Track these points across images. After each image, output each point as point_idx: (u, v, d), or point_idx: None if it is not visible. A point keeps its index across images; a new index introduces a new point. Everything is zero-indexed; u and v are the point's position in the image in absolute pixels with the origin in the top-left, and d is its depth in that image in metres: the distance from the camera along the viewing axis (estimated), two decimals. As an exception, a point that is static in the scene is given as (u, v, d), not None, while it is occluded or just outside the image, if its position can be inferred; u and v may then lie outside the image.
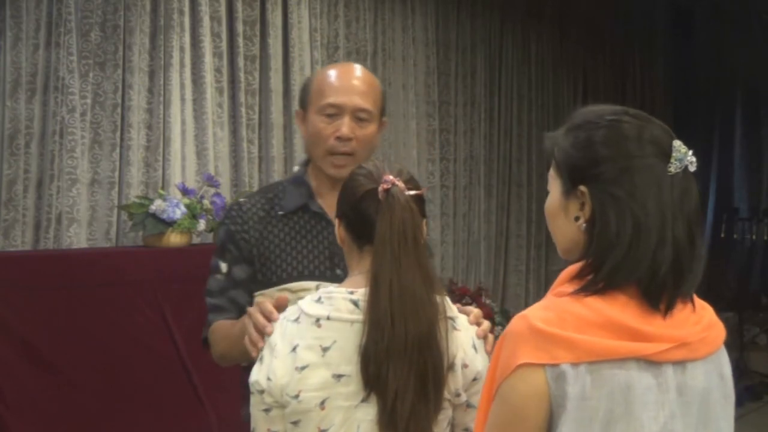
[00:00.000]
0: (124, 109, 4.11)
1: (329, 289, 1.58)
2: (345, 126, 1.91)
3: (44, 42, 3.88)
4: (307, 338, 1.52)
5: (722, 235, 7.25)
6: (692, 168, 1.31)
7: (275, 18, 4.70)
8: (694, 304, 1.33)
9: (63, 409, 3.34)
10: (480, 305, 5.04)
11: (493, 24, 6.11)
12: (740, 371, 6.01)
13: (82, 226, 3.99)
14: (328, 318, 1.52)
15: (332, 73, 1.98)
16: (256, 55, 4.63)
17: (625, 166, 1.29)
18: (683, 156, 1.30)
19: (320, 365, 1.50)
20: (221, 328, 1.91)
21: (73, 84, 3.92)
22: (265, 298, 1.92)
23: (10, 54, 3.79)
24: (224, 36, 4.47)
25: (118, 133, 4.09)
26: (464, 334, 1.56)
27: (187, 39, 4.32)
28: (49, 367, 3.33)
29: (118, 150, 4.08)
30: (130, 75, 4.11)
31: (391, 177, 1.52)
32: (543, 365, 1.23)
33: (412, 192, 1.53)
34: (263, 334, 1.58)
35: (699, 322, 1.33)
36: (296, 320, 1.55)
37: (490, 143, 6.12)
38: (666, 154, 1.30)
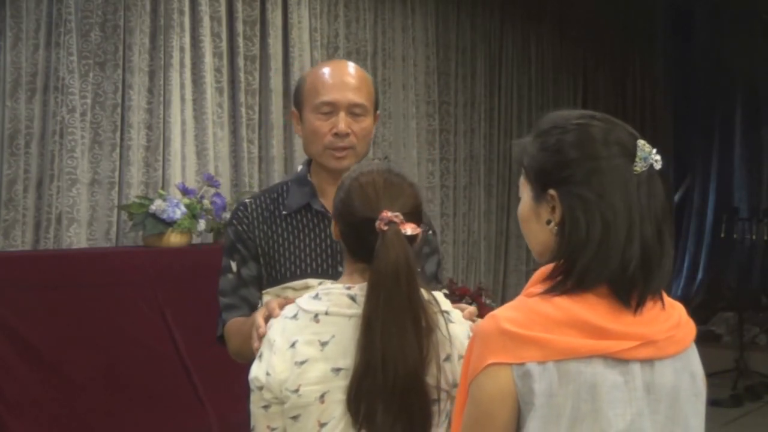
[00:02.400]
0: (124, 109, 4.11)
1: (326, 285, 1.62)
2: (341, 122, 1.95)
3: (44, 42, 3.88)
4: (305, 334, 1.54)
5: (722, 235, 7.25)
6: (657, 166, 1.34)
7: (275, 18, 4.70)
8: (663, 302, 1.35)
9: (63, 409, 3.34)
10: (480, 305, 5.04)
11: (493, 24, 6.12)
12: (740, 371, 6.01)
13: (82, 226, 3.99)
14: (326, 313, 1.54)
15: (325, 72, 2.02)
16: (256, 55, 4.63)
17: (592, 167, 1.32)
18: (647, 155, 1.33)
19: (319, 359, 1.52)
20: (234, 325, 1.97)
21: (73, 84, 3.92)
22: (272, 297, 1.95)
23: (10, 54, 3.79)
24: (224, 36, 4.47)
25: (118, 133, 4.08)
26: (459, 326, 1.60)
27: (187, 39, 4.32)
28: (49, 367, 3.32)
29: (118, 150, 4.08)
30: (130, 75, 4.11)
31: (389, 215, 1.51)
32: (510, 364, 1.27)
33: (409, 232, 1.52)
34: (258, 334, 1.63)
35: (668, 320, 1.35)
36: (294, 317, 1.57)
37: (490, 143, 6.12)
38: (631, 154, 1.33)
